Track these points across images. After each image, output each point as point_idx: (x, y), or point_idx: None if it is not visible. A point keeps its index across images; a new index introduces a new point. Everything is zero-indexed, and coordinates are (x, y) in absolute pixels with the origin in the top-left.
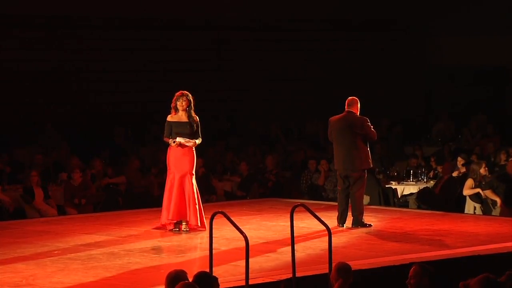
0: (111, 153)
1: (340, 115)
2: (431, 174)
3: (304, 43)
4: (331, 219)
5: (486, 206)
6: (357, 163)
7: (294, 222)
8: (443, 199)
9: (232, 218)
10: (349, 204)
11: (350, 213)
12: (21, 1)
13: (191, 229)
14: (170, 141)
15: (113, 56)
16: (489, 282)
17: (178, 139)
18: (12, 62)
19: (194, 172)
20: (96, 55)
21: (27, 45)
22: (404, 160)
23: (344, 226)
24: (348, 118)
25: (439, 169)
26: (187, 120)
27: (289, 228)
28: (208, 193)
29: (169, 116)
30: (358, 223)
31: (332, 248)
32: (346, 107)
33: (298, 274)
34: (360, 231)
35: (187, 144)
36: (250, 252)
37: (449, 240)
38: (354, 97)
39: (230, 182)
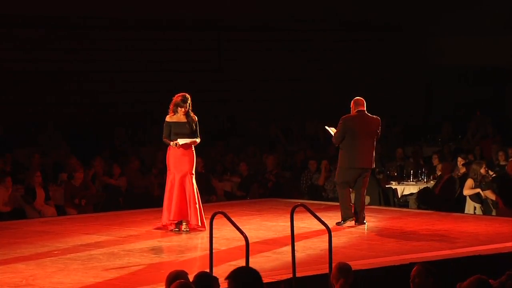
0: (111, 153)
1: (355, 114)
2: (436, 174)
3: (304, 43)
4: (331, 219)
5: (486, 206)
6: (372, 162)
7: (294, 222)
8: (443, 199)
9: (232, 218)
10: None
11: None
12: (21, 1)
13: (192, 229)
14: (172, 143)
15: (113, 56)
16: (481, 283)
17: (180, 141)
18: (12, 62)
19: (194, 172)
20: (96, 55)
21: (27, 45)
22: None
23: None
24: (366, 117)
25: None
26: (185, 120)
27: (289, 228)
28: (208, 193)
29: (167, 116)
30: (362, 221)
31: (332, 248)
32: (356, 106)
33: (298, 274)
34: (361, 231)
35: (188, 142)
36: (250, 252)
37: (449, 240)
38: (360, 97)
39: (230, 182)
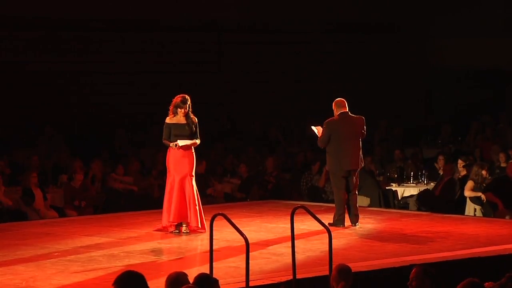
0: (110, 155)
1: (339, 117)
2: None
3: (304, 44)
4: (331, 221)
5: (486, 208)
6: (359, 163)
7: (294, 224)
8: (443, 201)
9: (232, 220)
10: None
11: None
12: (22, 2)
13: (192, 231)
14: (172, 144)
15: (114, 58)
16: (473, 287)
17: (180, 142)
18: (13, 64)
19: (193, 173)
20: (96, 57)
21: (28, 47)
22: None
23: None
24: (349, 118)
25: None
26: (185, 122)
27: (289, 230)
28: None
29: (167, 118)
30: (358, 221)
31: (332, 250)
32: (339, 108)
33: (298, 276)
34: (360, 233)
35: (188, 144)
36: (250, 254)
37: (449, 242)
38: (342, 98)
39: (230, 184)
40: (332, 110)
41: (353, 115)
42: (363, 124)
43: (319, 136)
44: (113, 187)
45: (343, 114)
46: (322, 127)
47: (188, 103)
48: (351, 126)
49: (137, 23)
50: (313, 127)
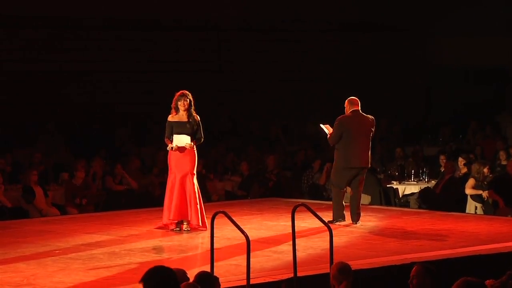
0: (111, 153)
1: (352, 114)
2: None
3: (305, 43)
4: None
5: (487, 206)
6: (368, 161)
7: (295, 221)
8: (444, 199)
9: (233, 218)
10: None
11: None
12: (22, 2)
13: (192, 229)
14: (169, 146)
15: (114, 57)
16: (468, 285)
17: (176, 142)
18: (13, 63)
19: (195, 171)
20: (96, 55)
21: (28, 46)
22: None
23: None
24: (361, 116)
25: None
26: (187, 120)
27: (290, 228)
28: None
29: (169, 116)
30: (359, 219)
31: (333, 248)
32: (351, 106)
33: (299, 274)
34: (362, 230)
35: (186, 146)
36: (251, 251)
37: (450, 240)
38: (355, 97)
39: (231, 182)
40: (343, 108)
41: (364, 114)
42: (373, 123)
43: (328, 134)
44: (112, 189)
45: (356, 112)
46: (330, 125)
47: (189, 97)
48: (362, 124)
49: (137, 22)
50: (322, 125)
